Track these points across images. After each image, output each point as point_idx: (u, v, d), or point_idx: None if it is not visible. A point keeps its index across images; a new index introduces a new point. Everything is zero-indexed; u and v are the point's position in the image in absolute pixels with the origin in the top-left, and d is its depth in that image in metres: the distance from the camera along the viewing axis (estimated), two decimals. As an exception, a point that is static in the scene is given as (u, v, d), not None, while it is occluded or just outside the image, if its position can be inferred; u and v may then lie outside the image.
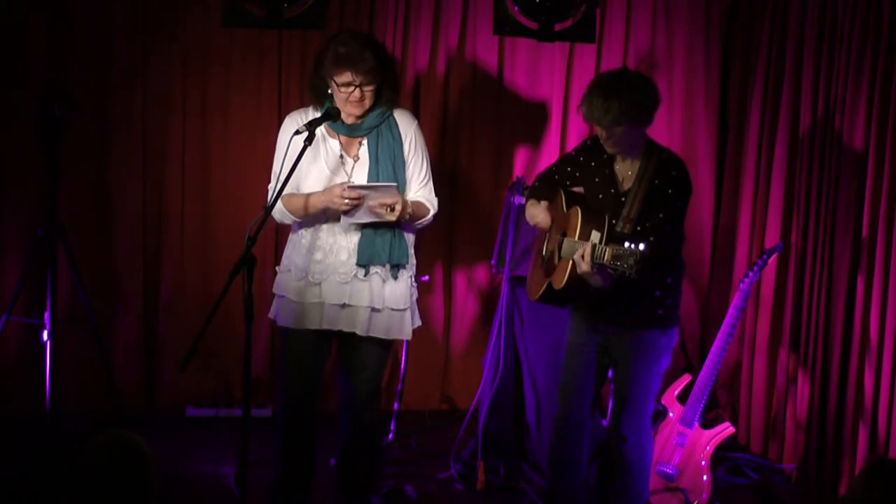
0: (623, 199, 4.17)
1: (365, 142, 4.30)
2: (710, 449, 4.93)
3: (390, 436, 5.55)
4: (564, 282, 4.09)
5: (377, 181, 4.25)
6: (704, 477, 4.90)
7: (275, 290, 4.43)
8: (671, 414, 5.01)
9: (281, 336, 4.45)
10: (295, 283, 4.34)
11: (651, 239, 4.00)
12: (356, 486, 4.53)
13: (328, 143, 4.31)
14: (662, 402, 5.03)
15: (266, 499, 4.50)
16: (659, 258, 4.04)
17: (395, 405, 5.64)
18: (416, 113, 5.78)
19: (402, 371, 5.65)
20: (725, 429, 4.99)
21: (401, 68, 5.75)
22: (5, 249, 5.55)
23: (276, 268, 4.45)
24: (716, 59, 5.98)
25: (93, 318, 5.24)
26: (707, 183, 6.05)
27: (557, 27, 5.21)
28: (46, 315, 5.10)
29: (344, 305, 4.30)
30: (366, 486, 4.57)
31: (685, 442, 4.94)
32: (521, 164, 5.95)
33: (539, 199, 4.41)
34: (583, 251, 3.95)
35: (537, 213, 4.39)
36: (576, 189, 4.35)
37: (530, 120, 5.96)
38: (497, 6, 5.23)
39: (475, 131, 5.94)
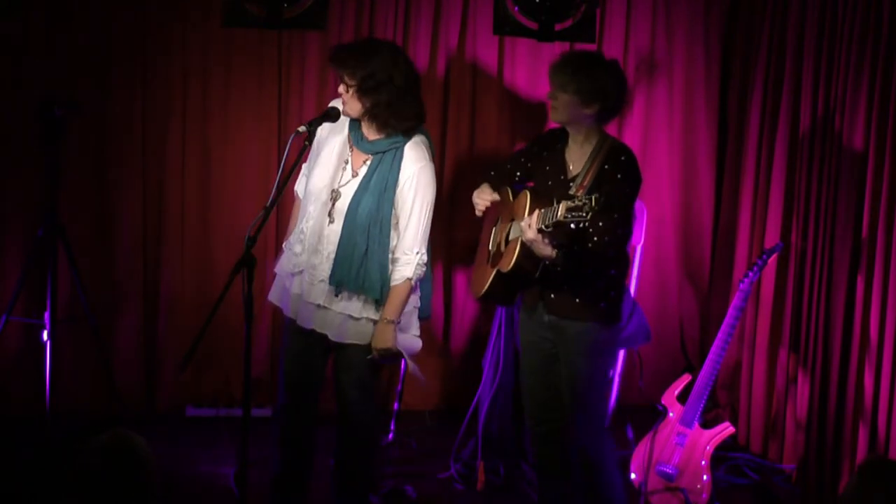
0: (571, 183, 4.17)
1: (368, 163, 4.25)
2: (710, 449, 4.93)
3: (390, 436, 5.55)
4: (513, 263, 4.10)
5: (358, 206, 4.18)
6: (704, 477, 4.90)
7: (276, 269, 4.44)
8: (671, 414, 5.01)
9: (283, 327, 4.46)
10: (286, 262, 4.36)
11: (600, 225, 4.02)
12: (354, 487, 4.52)
13: (344, 141, 4.30)
14: (662, 401, 5.03)
15: (266, 499, 4.50)
16: (611, 241, 4.06)
17: (395, 405, 5.64)
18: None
19: (401, 371, 5.65)
20: (725, 429, 4.99)
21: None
22: (5, 249, 5.54)
23: (283, 244, 4.44)
24: (716, 59, 5.98)
25: (93, 318, 5.24)
26: (707, 183, 6.05)
27: (557, 27, 5.22)
28: (46, 315, 5.10)
29: (319, 306, 4.26)
30: (364, 486, 4.55)
31: (685, 442, 4.94)
32: (521, 164, 5.94)
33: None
34: (530, 220, 3.93)
35: (478, 195, 4.42)
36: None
37: (530, 120, 5.95)
38: (497, 6, 5.24)
39: (475, 131, 5.94)
